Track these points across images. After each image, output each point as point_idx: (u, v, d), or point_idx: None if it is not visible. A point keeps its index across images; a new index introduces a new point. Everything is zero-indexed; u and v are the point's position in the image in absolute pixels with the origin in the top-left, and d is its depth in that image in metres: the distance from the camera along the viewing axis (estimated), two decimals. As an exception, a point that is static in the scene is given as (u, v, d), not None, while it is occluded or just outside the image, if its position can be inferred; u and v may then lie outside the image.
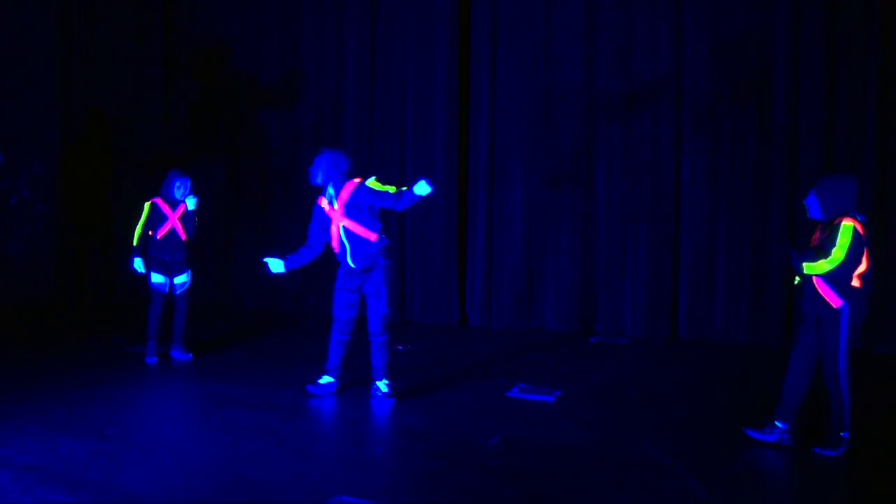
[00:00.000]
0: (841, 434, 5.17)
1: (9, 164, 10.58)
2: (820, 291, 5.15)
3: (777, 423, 5.34)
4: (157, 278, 7.55)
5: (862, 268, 5.13)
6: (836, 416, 5.18)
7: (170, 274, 7.58)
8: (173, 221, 7.52)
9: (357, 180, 6.22)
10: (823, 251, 5.08)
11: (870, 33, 7.99)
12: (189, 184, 7.59)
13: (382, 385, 6.41)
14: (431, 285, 9.75)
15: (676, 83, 8.75)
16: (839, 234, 5.04)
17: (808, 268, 5.14)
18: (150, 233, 7.51)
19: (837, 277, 5.08)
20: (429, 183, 5.95)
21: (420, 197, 6.01)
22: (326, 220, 6.32)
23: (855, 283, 5.12)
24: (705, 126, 8.66)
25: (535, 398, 6.52)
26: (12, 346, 8.19)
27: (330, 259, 10.15)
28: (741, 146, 8.53)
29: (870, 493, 4.77)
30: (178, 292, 7.67)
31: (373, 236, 6.21)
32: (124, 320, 9.26)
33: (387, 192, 6.12)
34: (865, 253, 5.12)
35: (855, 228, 5.05)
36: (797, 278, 5.35)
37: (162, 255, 7.53)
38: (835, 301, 5.11)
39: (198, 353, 7.85)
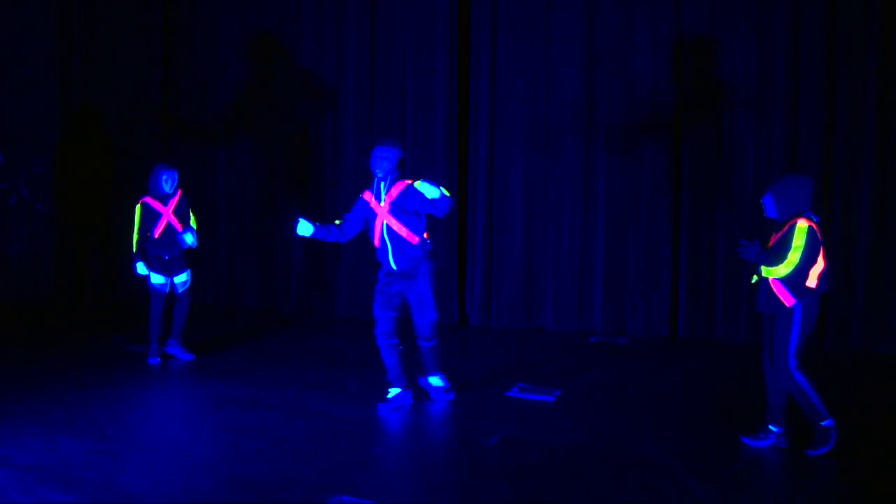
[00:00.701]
0: (822, 424, 5.14)
1: (9, 164, 10.58)
2: (775, 291, 5.17)
3: (771, 426, 5.33)
4: (157, 279, 7.52)
5: (819, 267, 5.13)
6: (808, 410, 5.17)
7: (170, 273, 7.55)
8: (168, 216, 7.44)
9: (408, 181, 6.05)
10: (780, 255, 5.09)
11: (870, 33, 7.99)
12: (176, 175, 7.50)
13: (436, 380, 6.34)
14: (431, 285, 9.74)
15: (676, 82, 8.75)
16: (794, 237, 5.06)
17: (766, 271, 5.16)
18: (147, 234, 7.45)
19: (793, 278, 5.10)
20: (428, 182, 5.88)
21: (441, 199, 5.85)
22: (370, 216, 6.16)
23: (811, 282, 5.12)
24: (705, 125, 8.66)
25: (535, 398, 6.52)
26: (12, 346, 8.19)
27: (332, 259, 10.21)
28: (741, 145, 8.53)
29: (870, 492, 4.76)
30: (179, 291, 7.64)
31: (415, 239, 6.07)
32: (124, 320, 9.26)
33: (433, 199, 5.92)
34: (822, 252, 5.14)
35: (810, 229, 5.07)
36: (755, 277, 5.34)
37: (161, 252, 7.47)
38: (788, 300, 5.13)
39: (198, 353, 7.85)
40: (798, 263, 5.05)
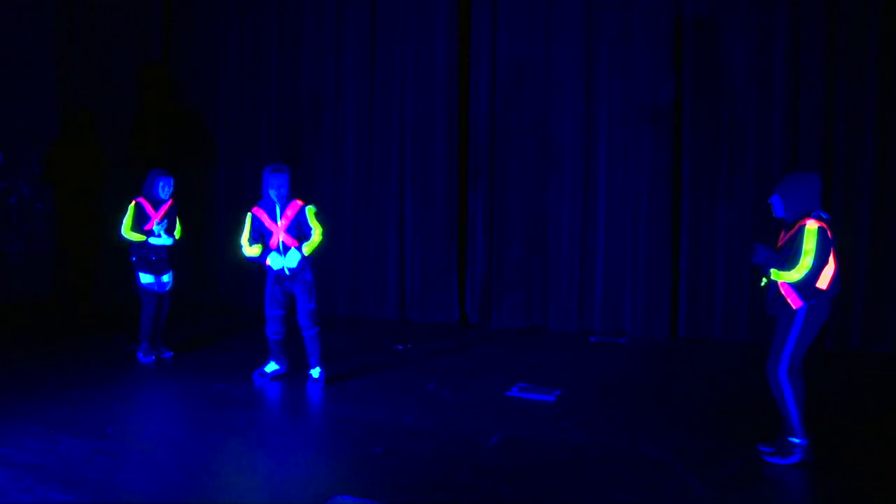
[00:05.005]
0: (790, 440, 5.02)
1: (8, 163, 10.59)
2: (783, 292, 4.98)
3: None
4: (146, 278, 7.57)
5: (830, 269, 4.93)
6: (783, 420, 5.04)
7: (157, 273, 7.60)
8: (157, 221, 7.53)
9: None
10: (791, 260, 4.88)
11: (870, 33, 8.00)
12: (172, 183, 7.63)
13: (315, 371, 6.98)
14: (431, 284, 9.76)
15: (676, 81, 8.75)
16: (804, 240, 4.84)
17: (776, 275, 4.96)
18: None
19: (804, 280, 4.89)
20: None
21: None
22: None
23: (822, 284, 4.92)
24: (705, 125, 8.66)
25: (534, 397, 6.52)
26: (12, 346, 8.19)
27: (331, 260, 10.21)
28: (741, 145, 8.54)
29: (869, 492, 4.77)
30: (162, 291, 7.68)
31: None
32: (124, 320, 9.25)
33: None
34: (833, 253, 4.94)
35: (820, 230, 4.85)
36: (763, 280, 5.13)
37: (148, 254, 7.54)
38: (795, 302, 4.94)
39: (198, 352, 7.85)
40: (811, 268, 4.84)
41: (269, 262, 6.79)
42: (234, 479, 4.82)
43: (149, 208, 7.51)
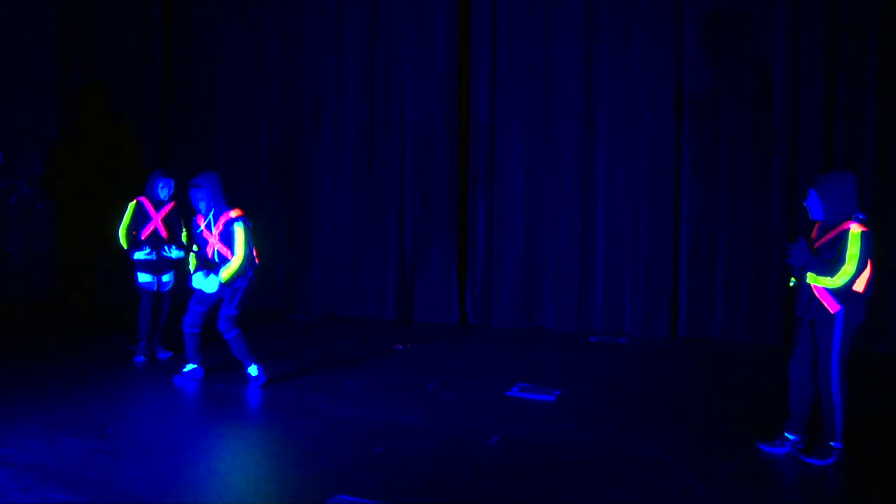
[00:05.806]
0: (830, 444, 5.03)
1: (8, 163, 10.59)
2: (818, 296, 4.92)
3: (787, 434, 5.24)
4: (144, 277, 7.59)
5: (868, 272, 4.89)
6: (827, 423, 5.04)
7: (157, 272, 7.61)
8: (156, 222, 7.55)
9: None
10: (833, 265, 4.80)
11: (870, 33, 8.00)
12: (172, 184, 7.63)
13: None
14: (431, 285, 9.76)
15: (676, 82, 8.75)
16: (848, 245, 4.76)
17: (814, 279, 4.88)
18: (134, 233, 7.52)
19: (844, 286, 4.84)
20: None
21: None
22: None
23: (859, 287, 4.87)
24: (705, 125, 8.67)
25: (535, 397, 6.52)
26: (12, 346, 8.19)
27: (331, 260, 10.21)
28: (741, 145, 8.54)
29: (868, 492, 4.77)
30: (163, 290, 7.70)
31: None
32: (124, 320, 9.25)
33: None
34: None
35: (863, 234, 4.78)
36: (793, 280, 5.12)
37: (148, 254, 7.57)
38: (833, 306, 4.89)
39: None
40: (854, 274, 4.77)
41: (193, 281, 6.60)
42: (234, 479, 4.82)
43: (150, 208, 7.53)
